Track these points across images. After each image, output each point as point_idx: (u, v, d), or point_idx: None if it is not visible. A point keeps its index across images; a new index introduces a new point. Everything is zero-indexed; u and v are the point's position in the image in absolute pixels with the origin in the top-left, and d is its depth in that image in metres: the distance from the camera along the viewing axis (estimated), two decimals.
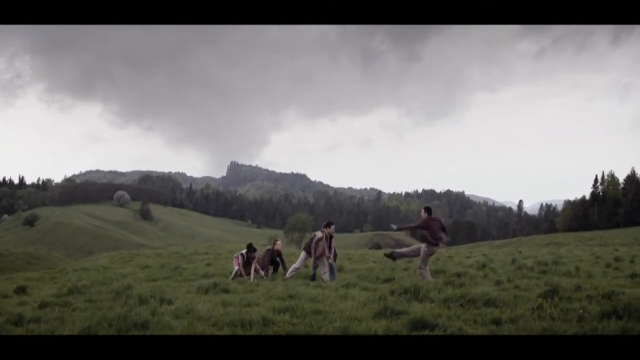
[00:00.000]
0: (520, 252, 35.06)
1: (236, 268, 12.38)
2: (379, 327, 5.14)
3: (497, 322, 6.07)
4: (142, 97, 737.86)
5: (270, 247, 13.29)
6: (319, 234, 11.70)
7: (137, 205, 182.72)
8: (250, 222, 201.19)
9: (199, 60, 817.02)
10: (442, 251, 43.67)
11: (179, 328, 5.35)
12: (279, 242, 13.30)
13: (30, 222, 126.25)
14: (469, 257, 24.25)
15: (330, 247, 12.18)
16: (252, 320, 5.57)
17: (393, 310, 6.34)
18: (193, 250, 38.05)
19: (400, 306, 6.84)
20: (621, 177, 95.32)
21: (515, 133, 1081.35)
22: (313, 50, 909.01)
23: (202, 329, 5.33)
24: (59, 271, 16.48)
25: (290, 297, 7.81)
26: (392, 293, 8.00)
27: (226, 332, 5.32)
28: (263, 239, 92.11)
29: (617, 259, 17.81)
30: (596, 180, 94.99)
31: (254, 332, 5.29)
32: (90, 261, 35.13)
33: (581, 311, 6.49)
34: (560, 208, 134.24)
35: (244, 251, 12.57)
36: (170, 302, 7.45)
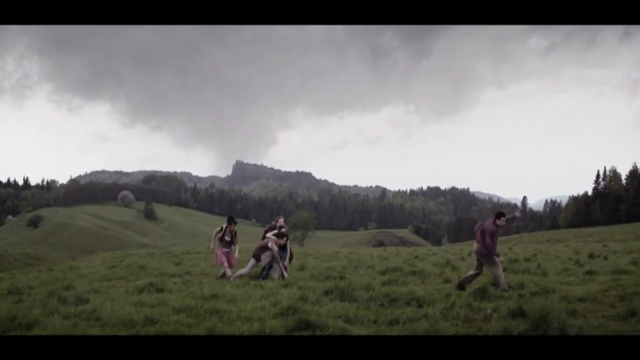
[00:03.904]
0: (510, 249, 34.79)
1: (225, 264, 11.82)
2: (246, 329, 5.00)
3: (395, 321, 5.91)
4: (150, 96, 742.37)
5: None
6: (272, 239, 11.78)
7: (141, 205, 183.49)
8: (254, 220, 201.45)
9: (207, 58, 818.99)
10: (439, 249, 43.43)
11: (60, 328, 5.25)
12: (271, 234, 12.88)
13: (34, 223, 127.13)
14: (451, 253, 24.10)
15: (284, 249, 12.05)
16: (133, 320, 5.46)
17: (295, 310, 6.21)
18: (186, 250, 38.08)
19: (310, 305, 6.71)
20: (625, 172, 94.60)
21: (522, 129, 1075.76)
22: (322, 47, 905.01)
23: (83, 328, 5.23)
24: (23, 272, 16.47)
25: (213, 296, 7.69)
26: (317, 292, 7.89)
27: (108, 331, 5.21)
28: None
29: (590, 255, 17.55)
30: (598, 176, 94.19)
31: (132, 331, 5.18)
32: (85, 261, 35.22)
33: (489, 310, 6.35)
34: (564, 204, 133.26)
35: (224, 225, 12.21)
36: (86, 302, 7.37)
